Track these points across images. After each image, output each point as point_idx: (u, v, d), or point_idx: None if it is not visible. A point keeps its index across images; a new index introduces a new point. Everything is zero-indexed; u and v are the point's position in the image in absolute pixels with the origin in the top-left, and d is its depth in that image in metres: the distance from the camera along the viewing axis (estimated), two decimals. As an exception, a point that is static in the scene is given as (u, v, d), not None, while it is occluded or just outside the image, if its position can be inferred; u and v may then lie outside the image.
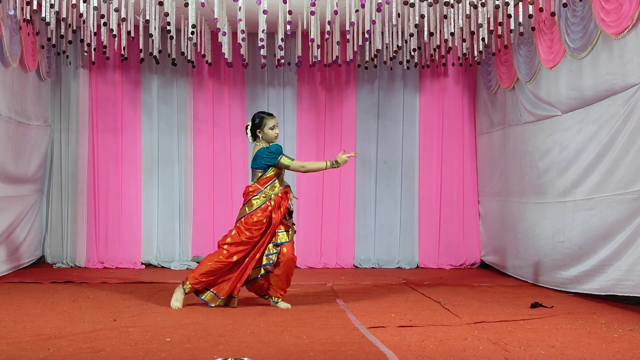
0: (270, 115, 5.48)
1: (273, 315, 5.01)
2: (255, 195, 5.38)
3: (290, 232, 5.43)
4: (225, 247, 5.32)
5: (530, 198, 7.07)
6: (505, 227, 7.80)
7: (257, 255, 5.35)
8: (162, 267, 8.39)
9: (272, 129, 5.42)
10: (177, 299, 5.36)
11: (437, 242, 8.69)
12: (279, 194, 5.38)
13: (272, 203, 5.34)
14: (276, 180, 5.42)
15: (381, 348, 3.90)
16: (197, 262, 8.44)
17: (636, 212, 5.14)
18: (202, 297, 5.41)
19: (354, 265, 8.64)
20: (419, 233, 8.71)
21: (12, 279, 6.93)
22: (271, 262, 5.35)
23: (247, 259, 5.35)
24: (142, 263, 8.41)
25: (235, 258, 5.32)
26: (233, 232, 5.39)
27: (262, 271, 5.39)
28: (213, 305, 5.36)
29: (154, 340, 4.07)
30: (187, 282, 5.36)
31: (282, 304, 5.42)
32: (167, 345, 3.96)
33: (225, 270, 5.36)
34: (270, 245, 5.36)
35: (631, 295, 5.30)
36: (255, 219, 5.31)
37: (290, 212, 5.45)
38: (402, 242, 8.72)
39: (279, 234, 5.37)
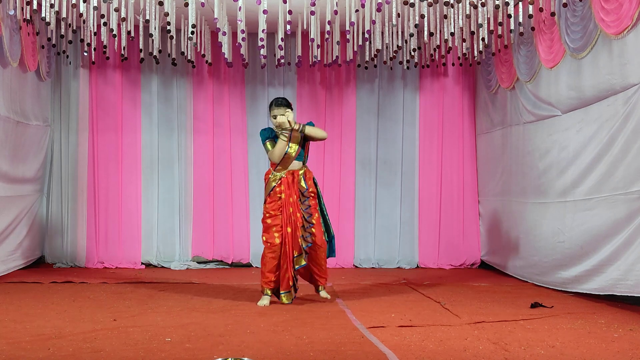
0: (277, 103, 5.69)
1: (273, 315, 5.02)
2: (268, 179, 5.77)
3: (311, 216, 5.66)
4: (264, 238, 5.64)
5: (530, 198, 7.07)
6: (505, 227, 7.80)
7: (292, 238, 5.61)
8: (162, 267, 8.39)
9: (274, 117, 5.68)
10: (263, 300, 5.63)
11: (437, 242, 8.69)
12: (288, 175, 5.68)
13: (282, 184, 5.66)
14: (281, 164, 5.70)
15: (381, 348, 3.90)
16: (198, 262, 8.49)
17: (636, 212, 5.14)
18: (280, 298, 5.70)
19: (354, 265, 8.64)
20: (419, 233, 8.71)
21: (12, 279, 6.93)
22: (309, 243, 5.64)
23: (286, 244, 5.60)
24: (142, 263, 8.41)
25: (277, 241, 5.57)
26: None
27: (302, 253, 5.66)
28: (287, 302, 5.61)
29: (154, 340, 4.07)
30: (263, 287, 5.67)
31: (324, 294, 5.83)
32: (167, 345, 3.96)
33: (278, 259, 5.60)
34: (302, 228, 5.63)
35: (630, 295, 5.30)
36: (269, 202, 5.66)
37: (303, 194, 5.67)
38: (402, 242, 8.72)
39: (305, 216, 5.67)
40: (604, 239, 5.60)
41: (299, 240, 5.59)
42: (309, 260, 5.74)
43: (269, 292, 5.64)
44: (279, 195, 5.62)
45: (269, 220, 5.62)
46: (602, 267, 5.61)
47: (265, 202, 5.70)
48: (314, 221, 5.66)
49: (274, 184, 5.66)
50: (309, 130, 5.68)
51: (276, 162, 5.67)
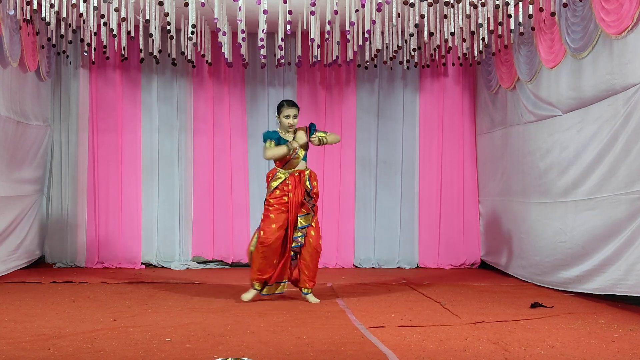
0: (290, 103, 5.78)
1: (273, 315, 5.02)
2: (272, 178, 5.74)
3: (309, 216, 5.70)
4: (261, 233, 5.63)
5: (531, 198, 7.06)
6: (506, 227, 7.80)
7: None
8: (162, 267, 8.39)
9: (286, 117, 5.72)
10: (248, 293, 5.74)
11: (437, 242, 8.69)
12: (295, 174, 5.69)
13: (288, 184, 5.66)
14: (287, 163, 5.73)
15: (381, 348, 3.90)
16: (198, 262, 8.49)
17: (637, 212, 5.14)
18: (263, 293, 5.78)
19: (354, 265, 8.64)
20: (419, 233, 8.71)
21: (12, 279, 6.93)
22: (299, 244, 5.67)
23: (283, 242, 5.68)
24: (142, 263, 8.40)
25: (272, 239, 5.58)
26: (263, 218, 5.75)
27: (292, 253, 5.72)
28: (266, 294, 5.77)
29: (154, 340, 4.07)
30: (252, 281, 5.75)
31: (312, 298, 5.71)
32: (167, 345, 3.96)
33: (272, 255, 5.63)
34: (298, 229, 5.68)
35: (630, 295, 5.30)
36: (274, 197, 5.67)
37: (309, 194, 5.72)
38: (402, 242, 8.71)
39: (299, 218, 5.67)
40: (605, 238, 5.60)
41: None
42: (301, 261, 5.77)
43: (258, 286, 5.72)
44: (285, 193, 5.64)
45: (272, 215, 5.62)
46: (603, 267, 5.61)
47: (268, 198, 5.70)
48: (312, 224, 5.72)
49: (278, 182, 5.68)
50: (326, 138, 5.77)
51: (266, 159, 5.84)
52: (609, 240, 5.54)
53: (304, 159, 5.79)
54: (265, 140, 5.73)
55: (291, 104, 5.77)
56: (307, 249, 5.71)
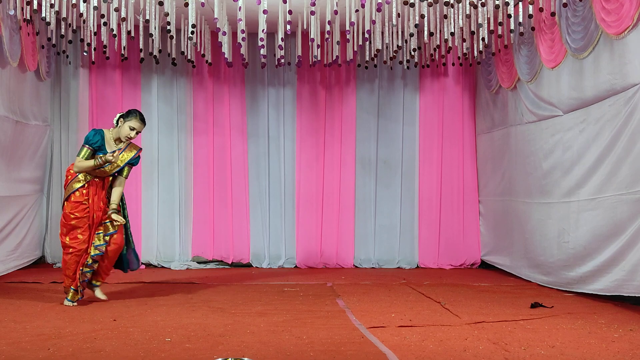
0: (142, 119, 5.54)
1: (273, 315, 5.01)
2: (73, 179, 5.45)
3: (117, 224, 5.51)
4: (67, 240, 5.41)
5: (534, 198, 7.05)
6: (508, 227, 7.78)
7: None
8: (162, 267, 8.38)
9: (131, 129, 5.47)
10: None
11: (437, 242, 8.69)
12: (96, 179, 5.48)
13: (89, 189, 5.45)
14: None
15: (381, 348, 3.90)
16: (198, 262, 8.48)
17: (639, 212, 5.13)
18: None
19: (354, 265, 8.64)
20: (419, 233, 8.71)
21: (12, 279, 6.93)
22: (100, 252, 5.46)
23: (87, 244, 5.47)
24: (142, 263, 8.39)
25: (83, 246, 5.40)
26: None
27: (90, 261, 5.45)
28: (74, 302, 5.40)
29: (154, 340, 4.07)
30: (68, 287, 5.46)
31: (101, 294, 5.62)
32: (167, 345, 3.96)
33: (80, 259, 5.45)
34: (101, 235, 5.46)
35: (635, 295, 5.28)
36: (72, 201, 5.40)
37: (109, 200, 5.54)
38: (402, 242, 8.72)
39: (106, 223, 5.49)
40: (608, 239, 5.60)
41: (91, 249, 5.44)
42: (107, 255, 5.54)
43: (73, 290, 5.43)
44: (85, 198, 5.41)
45: (73, 222, 5.39)
46: (607, 267, 5.60)
47: (67, 202, 5.43)
48: (116, 228, 5.50)
49: (78, 185, 5.42)
50: (119, 182, 5.53)
51: (73, 171, 5.46)
52: (611, 240, 5.54)
53: (112, 175, 5.53)
54: (84, 144, 5.43)
55: (143, 119, 5.52)
56: (112, 246, 5.51)
